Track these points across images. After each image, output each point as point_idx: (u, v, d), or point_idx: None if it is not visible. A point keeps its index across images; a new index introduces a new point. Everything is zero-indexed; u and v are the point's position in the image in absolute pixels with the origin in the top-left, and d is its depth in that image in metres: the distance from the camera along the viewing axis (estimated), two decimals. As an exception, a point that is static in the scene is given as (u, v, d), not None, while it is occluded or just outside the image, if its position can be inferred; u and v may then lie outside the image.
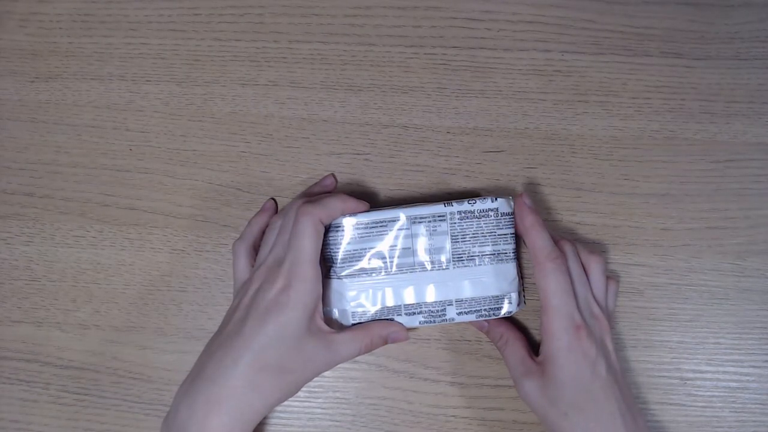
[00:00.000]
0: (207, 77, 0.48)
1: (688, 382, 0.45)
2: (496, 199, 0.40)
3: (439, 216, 0.40)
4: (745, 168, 0.46)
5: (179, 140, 0.47)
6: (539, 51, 0.47)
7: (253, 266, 0.41)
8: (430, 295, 0.40)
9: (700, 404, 0.45)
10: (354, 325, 0.41)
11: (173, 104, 0.48)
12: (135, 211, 0.47)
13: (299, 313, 0.37)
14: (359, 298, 0.40)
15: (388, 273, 0.40)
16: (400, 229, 0.40)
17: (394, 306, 0.40)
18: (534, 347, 0.43)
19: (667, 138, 0.46)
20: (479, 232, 0.40)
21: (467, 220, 0.40)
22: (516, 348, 0.41)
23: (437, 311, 0.41)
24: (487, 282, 0.40)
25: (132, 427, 0.45)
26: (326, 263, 0.41)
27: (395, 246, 0.40)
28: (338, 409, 0.45)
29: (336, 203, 0.40)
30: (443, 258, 0.40)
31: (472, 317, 0.41)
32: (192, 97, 0.47)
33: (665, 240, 0.45)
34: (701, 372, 0.45)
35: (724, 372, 0.45)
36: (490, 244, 0.40)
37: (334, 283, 0.41)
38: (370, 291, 0.40)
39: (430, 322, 0.41)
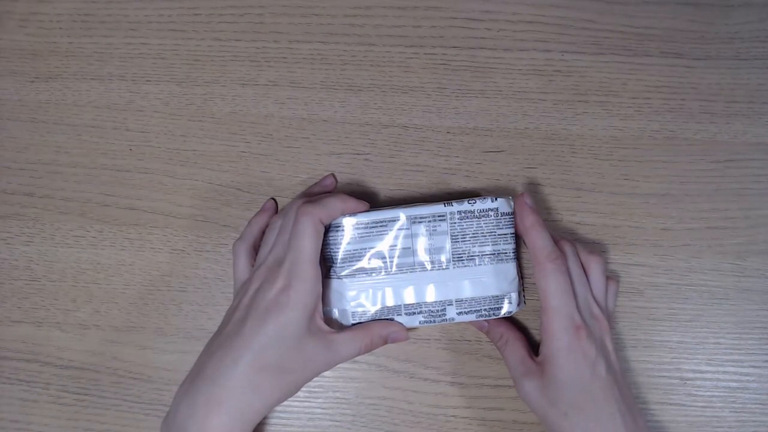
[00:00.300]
0: (207, 77, 0.48)
1: (688, 382, 0.45)
2: (496, 199, 0.40)
3: (439, 216, 0.40)
4: (745, 168, 0.46)
5: (179, 140, 0.47)
6: (539, 51, 0.47)
7: (253, 266, 0.41)
8: (430, 295, 0.40)
9: (700, 404, 0.45)
10: (354, 325, 0.41)
11: (173, 104, 0.48)
12: (135, 211, 0.47)
13: (299, 313, 0.37)
14: (359, 297, 0.40)
15: (388, 273, 0.40)
16: (400, 229, 0.40)
17: (394, 306, 0.40)
18: (534, 347, 0.43)
19: (667, 138, 0.46)
20: (479, 232, 0.40)
21: (467, 220, 0.40)
22: (516, 348, 0.41)
23: (437, 311, 0.41)
24: (487, 282, 0.40)
25: (132, 427, 0.45)
26: (326, 263, 0.41)
27: (395, 246, 0.40)
28: (338, 409, 0.45)
29: (336, 203, 0.40)
30: (443, 258, 0.40)
31: (472, 317, 0.41)
32: (192, 97, 0.47)
33: (665, 240, 0.46)
34: (701, 372, 0.45)
35: (724, 372, 0.45)
36: (490, 243, 0.40)
37: (334, 283, 0.41)
38: (370, 291, 0.40)
39: (430, 322, 0.41)
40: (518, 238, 0.43)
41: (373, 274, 0.40)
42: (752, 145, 0.46)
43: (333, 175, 0.47)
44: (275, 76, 0.47)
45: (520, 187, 0.46)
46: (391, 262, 0.40)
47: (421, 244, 0.40)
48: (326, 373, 0.45)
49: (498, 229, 0.40)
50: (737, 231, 0.45)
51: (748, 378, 0.45)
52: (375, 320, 0.41)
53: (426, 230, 0.40)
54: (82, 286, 0.46)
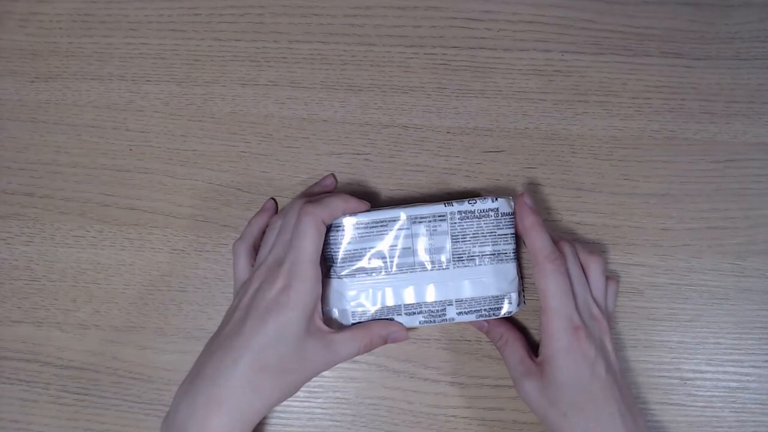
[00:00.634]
0: (207, 77, 0.48)
1: (688, 382, 0.45)
2: (496, 199, 0.40)
3: (439, 216, 0.40)
4: (745, 168, 0.46)
5: (179, 140, 0.47)
6: (539, 51, 0.47)
7: (253, 266, 0.41)
8: (430, 294, 0.40)
9: (700, 404, 0.45)
10: (354, 324, 0.40)
11: (173, 104, 0.48)
12: (135, 211, 0.47)
13: (299, 313, 0.37)
14: (359, 297, 0.40)
15: (388, 273, 0.40)
16: (400, 229, 0.40)
17: (394, 306, 0.40)
18: (534, 347, 0.43)
19: (667, 138, 0.46)
20: (479, 232, 0.40)
21: (467, 220, 0.40)
22: (516, 348, 0.41)
23: (437, 311, 0.41)
24: (487, 282, 0.40)
25: (132, 427, 0.45)
26: (326, 263, 0.41)
27: (395, 246, 0.40)
28: (338, 409, 0.45)
29: (338, 203, 0.40)
30: (443, 258, 0.40)
31: (472, 317, 0.41)
32: (192, 97, 0.47)
33: (665, 240, 0.46)
34: (701, 372, 0.45)
35: (724, 372, 0.45)
36: (490, 244, 0.40)
37: (334, 283, 0.41)
38: (370, 291, 0.40)
39: (430, 322, 0.41)
40: (518, 238, 0.43)
41: (373, 274, 0.40)
42: (752, 145, 0.46)
43: (333, 175, 0.47)
44: (275, 76, 0.47)
45: (520, 187, 0.46)
46: (392, 261, 0.40)
47: (422, 244, 0.40)
48: (326, 373, 0.45)
49: (498, 229, 0.40)
50: (737, 231, 0.45)
51: (748, 378, 0.45)
52: (375, 320, 0.41)
53: (426, 230, 0.40)
54: (82, 286, 0.46)
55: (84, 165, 0.47)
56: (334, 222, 0.40)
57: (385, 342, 0.40)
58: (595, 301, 0.41)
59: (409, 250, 0.40)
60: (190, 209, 0.47)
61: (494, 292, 0.40)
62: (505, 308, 0.41)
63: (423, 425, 0.45)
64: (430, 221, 0.40)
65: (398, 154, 0.47)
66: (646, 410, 0.45)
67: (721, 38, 0.47)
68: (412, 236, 0.40)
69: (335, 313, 0.41)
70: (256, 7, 0.48)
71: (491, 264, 0.40)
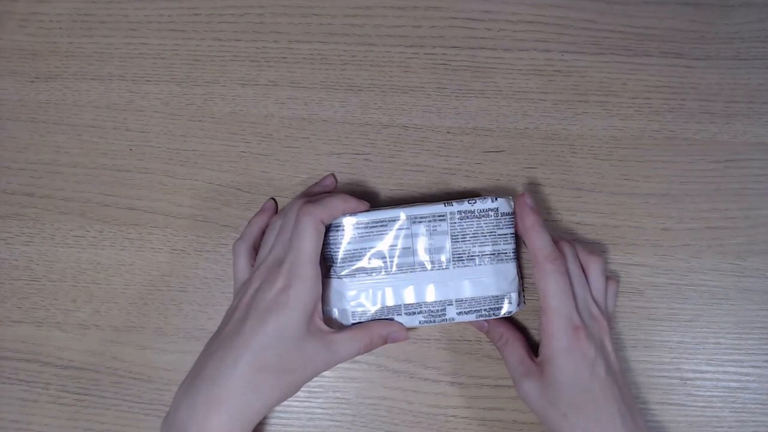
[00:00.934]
0: (207, 77, 0.48)
1: (688, 382, 0.45)
2: (496, 198, 0.40)
3: (439, 216, 0.40)
4: (745, 168, 0.46)
5: (179, 140, 0.47)
6: (539, 51, 0.47)
7: (253, 266, 0.41)
8: (430, 294, 0.40)
9: (700, 404, 0.45)
10: (354, 324, 0.40)
11: (173, 104, 0.48)
12: (135, 211, 0.47)
13: (299, 313, 0.37)
14: (359, 297, 0.40)
15: (388, 273, 0.40)
16: (400, 229, 0.40)
17: (394, 306, 0.40)
18: (534, 347, 0.43)
19: (667, 138, 0.46)
20: (479, 231, 0.40)
21: (467, 220, 0.40)
22: (515, 348, 0.41)
23: (437, 311, 0.41)
24: (487, 282, 0.40)
25: (132, 427, 0.45)
26: (326, 263, 0.41)
27: (395, 246, 0.40)
28: (338, 409, 0.45)
29: (337, 203, 0.40)
30: (443, 258, 0.40)
31: (472, 317, 0.41)
32: (192, 97, 0.47)
33: (665, 240, 0.45)
34: (701, 372, 0.45)
35: (724, 372, 0.45)
36: (490, 243, 0.40)
37: (334, 283, 0.41)
38: (370, 290, 0.40)
39: (430, 321, 0.41)
40: (518, 238, 0.43)
41: (373, 274, 0.40)
42: (752, 145, 0.46)
43: (333, 175, 0.47)
44: (275, 76, 0.47)
45: (520, 187, 0.46)
46: (391, 261, 0.40)
47: (421, 243, 0.40)
48: (326, 373, 0.45)
49: (498, 229, 0.40)
50: (737, 231, 0.45)
51: (748, 378, 0.45)
52: (375, 320, 0.41)
53: (426, 230, 0.40)
54: (82, 286, 0.46)
55: (84, 165, 0.47)
56: (333, 222, 0.40)
57: (385, 342, 0.40)
58: (595, 301, 0.41)
59: (409, 250, 0.40)
60: (190, 209, 0.47)
61: (494, 292, 0.40)
62: (505, 308, 0.41)
63: (423, 425, 0.45)
64: (429, 221, 0.40)
65: (398, 154, 0.47)
66: (646, 410, 0.45)
67: (721, 38, 0.47)
68: (412, 236, 0.40)
69: (335, 313, 0.41)
70: (256, 7, 0.48)
71: (491, 264, 0.40)
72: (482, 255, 0.40)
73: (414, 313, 0.41)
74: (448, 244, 0.40)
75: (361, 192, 0.47)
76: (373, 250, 0.40)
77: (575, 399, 0.38)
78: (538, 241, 0.40)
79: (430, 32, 0.47)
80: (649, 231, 0.46)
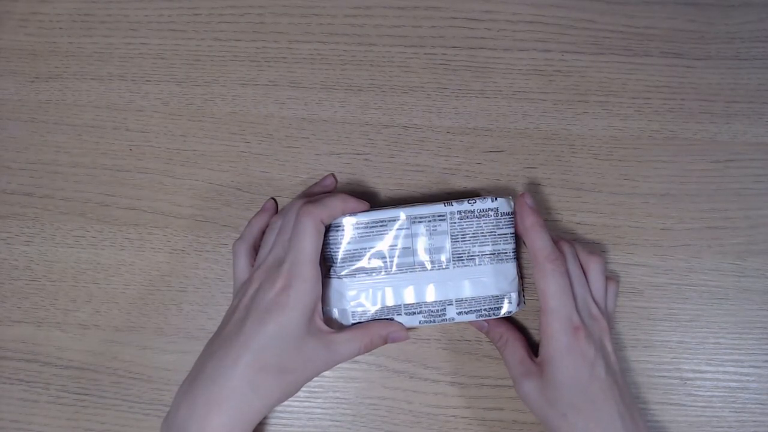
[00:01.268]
0: (207, 77, 0.48)
1: (688, 382, 0.45)
2: (496, 198, 0.40)
3: (438, 216, 0.40)
4: (745, 168, 0.46)
5: (179, 140, 0.47)
6: (539, 51, 0.47)
7: (253, 266, 0.41)
8: (430, 294, 0.40)
9: (700, 404, 0.45)
10: (354, 324, 0.40)
11: (173, 104, 0.48)
12: (135, 211, 0.47)
13: (299, 313, 0.37)
14: (359, 297, 0.40)
15: (388, 272, 0.40)
16: (399, 229, 0.40)
17: (394, 306, 0.40)
18: (534, 347, 0.43)
19: (667, 138, 0.46)
20: (479, 231, 0.40)
21: (467, 220, 0.40)
22: (515, 348, 0.41)
23: (437, 311, 0.41)
24: (487, 282, 0.40)
25: (132, 427, 0.45)
26: (326, 263, 0.41)
27: (395, 245, 0.40)
28: (338, 409, 0.45)
29: (337, 203, 0.40)
30: (443, 258, 0.40)
31: (471, 317, 0.41)
32: (192, 97, 0.48)
33: (665, 240, 0.45)
34: (701, 372, 0.45)
35: (724, 372, 0.45)
36: (490, 243, 0.40)
37: (334, 283, 0.41)
38: (370, 290, 0.40)
39: (430, 321, 0.41)
40: (518, 238, 0.43)
41: (373, 274, 0.40)
42: (752, 145, 0.46)
43: (333, 175, 0.47)
44: (275, 76, 0.47)
45: (520, 187, 0.46)
46: (391, 261, 0.40)
47: (421, 243, 0.40)
48: (326, 373, 0.45)
49: (498, 228, 0.40)
50: (737, 231, 0.45)
51: (748, 378, 0.45)
52: (375, 320, 0.41)
53: (426, 230, 0.40)
54: (82, 286, 0.46)
55: (84, 165, 0.47)
56: (333, 222, 0.40)
57: (386, 342, 0.40)
58: (595, 302, 0.41)
59: (409, 250, 0.40)
60: (190, 209, 0.47)
61: (494, 292, 0.40)
62: (505, 308, 0.41)
63: (423, 425, 0.45)
64: (429, 221, 0.40)
65: (398, 154, 0.47)
66: (646, 410, 0.45)
67: (721, 38, 0.47)
68: (412, 236, 0.40)
69: (335, 313, 0.41)
70: (256, 7, 0.48)
71: (491, 264, 0.40)
72: (482, 255, 0.40)
73: (414, 313, 0.41)
74: (448, 244, 0.40)
75: (361, 192, 0.47)
76: (373, 250, 0.40)
77: (575, 399, 0.38)
78: (538, 241, 0.40)
79: (430, 32, 0.47)
80: (649, 231, 0.46)
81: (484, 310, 0.41)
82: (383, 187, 0.47)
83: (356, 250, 0.40)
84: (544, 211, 0.46)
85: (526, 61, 0.47)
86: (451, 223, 0.40)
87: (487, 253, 0.40)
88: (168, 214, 0.47)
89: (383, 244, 0.40)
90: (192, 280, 0.46)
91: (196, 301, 0.46)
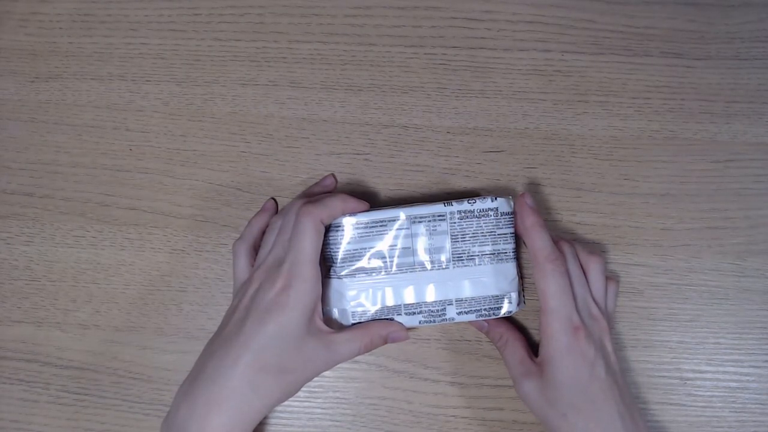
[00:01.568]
0: (207, 77, 0.48)
1: (688, 382, 0.45)
2: (495, 198, 0.40)
3: (438, 215, 0.40)
4: (745, 168, 0.46)
5: (179, 140, 0.47)
6: (539, 51, 0.47)
7: (253, 266, 0.41)
8: (430, 294, 0.40)
9: (700, 404, 0.45)
10: (354, 324, 0.40)
11: (173, 104, 0.48)
12: (135, 211, 0.47)
13: (299, 313, 0.37)
14: (359, 297, 0.40)
15: (388, 272, 0.40)
16: (399, 229, 0.40)
17: (394, 306, 0.40)
18: (534, 347, 0.43)
19: (667, 138, 0.46)
20: (479, 231, 0.40)
21: (467, 220, 0.40)
22: (515, 348, 0.41)
23: (437, 311, 0.41)
24: (487, 282, 0.40)
25: (132, 427, 0.45)
26: (326, 263, 0.41)
27: (395, 245, 0.40)
28: (338, 409, 0.45)
29: (337, 203, 0.40)
30: (443, 257, 0.40)
31: (471, 317, 0.41)
32: (192, 97, 0.48)
33: (665, 240, 0.45)
34: (701, 372, 0.45)
35: (724, 372, 0.45)
36: (489, 243, 0.40)
37: (334, 283, 0.41)
38: (370, 291, 0.40)
39: (430, 321, 0.41)
40: (518, 238, 0.43)
41: (373, 274, 0.40)
42: (752, 145, 0.46)
43: (333, 175, 0.47)
44: (275, 76, 0.47)
45: (520, 187, 0.46)
46: (391, 261, 0.40)
47: (421, 243, 0.40)
48: (326, 373, 0.45)
49: (498, 228, 0.40)
50: (737, 231, 0.45)
51: (748, 378, 0.45)
52: (375, 320, 0.41)
53: (426, 230, 0.40)
54: (82, 286, 0.46)
55: (84, 165, 0.47)
56: (333, 222, 0.40)
57: (385, 342, 0.40)
58: (595, 302, 0.41)
59: (409, 250, 0.40)
60: (190, 209, 0.47)
61: (494, 292, 0.40)
62: (505, 308, 0.41)
63: (423, 425, 0.45)
64: (429, 221, 0.40)
65: (398, 154, 0.47)
66: (646, 410, 0.45)
67: (721, 38, 0.47)
68: (412, 236, 0.40)
69: (335, 313, 0.41)
70: (256, 7, 0.48)
71: (491, 263, 0.40)
72: (482, 255, 0.40)
73: (414, 313, 0.41)
74: (447, 244, 0.40)
75: (361, 192, 0.47)
76: (372, 250, 0.40)
77: (575, 399, 0.38)
78: (538, 241, 0.40)
79: (430, 32, 0.47)
80: (649, 231, 0.46)
81: (484, 310, 0.41)
82: (383, 187, 0.47)
83: (356, 250, 0.40)
84: (544, 211, 0.46)
85: (526, 61, 0.47)
86: (451, 223, 0.40)
87: (487, 253, 0.40)
88: (168, 214, 0.47)
89: (383, 244, 0.40)
90: (192, 280, 0.46)
91: (196, 301, 0.46)
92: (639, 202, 0.46)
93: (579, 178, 0.46)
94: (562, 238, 0.43)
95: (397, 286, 0.40)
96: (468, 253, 0.40)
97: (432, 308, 0.41)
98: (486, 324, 0.43)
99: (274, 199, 0.47)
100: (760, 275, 0.45)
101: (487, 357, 0.45)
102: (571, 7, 0.47)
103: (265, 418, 0.45)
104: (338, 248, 0.40)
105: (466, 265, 0.40)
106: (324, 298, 0.40)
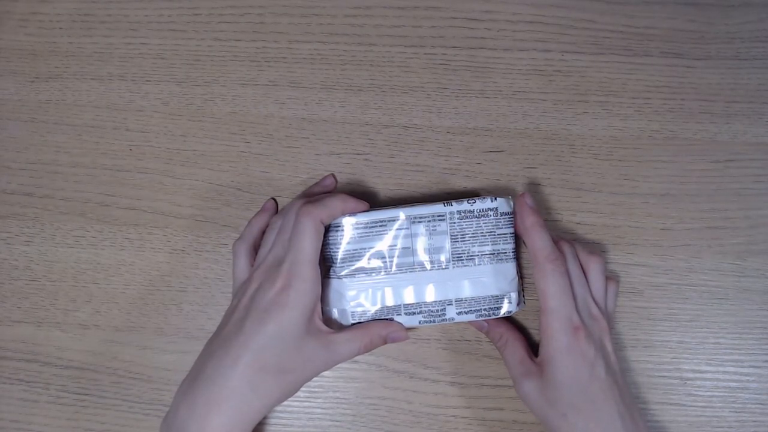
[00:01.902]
0: (207, 77, 0.48)
1: (688, 382, 0.45)
2: (495, 198, 0.40)
3: (438, 216, 0.40)
4: (745, 168, 0.46)
5: (179, 140, 0.47)
6: (539, 51, 0.47)
7: (253, 266, 0.41)
8: (430, 294, 0.40)
9: (700, 404, 0.45)
10: (353, 324, 0.40)
11: (173, 104, 0.48)
12: (135, 211, 0.47)
13: (298, 313, 0.37)
14: (359, 297, 0.40)
15: (387, 273, 0.40)
16: (399, 229, 0.40)
17: (394, 306, 0.40)
18: (534, 347, 0.43)
19: (667, 138, 0.46)
20: (479, 231, 0.40)
21: (467, 220, 0.40)
22: (515, 348, 0.41)
23: (437, 311, 0.41)
24: (487, 282, 0.40)
25: (132, 427, 0.45)
26: (326, 263, 0.41)
27: (395, 246, 0.40)
28: (338, 409, 0.45)
29: (336, 203, 0.40)
30: (443, 258, 0.40)
31: (471, 317, 0.41)
32: (192, 97, 0.48)
33: (665, 240, 0.45)
34: (701, 372, 0.45)
35: (724, 372, 0.45)
36: (489, 243, 0.40)
37: (334, 283, 0.41)
38: (370, 291, 0.40)
39: (430, 321, 0.41)
40: (518, 238, 0.43)
41: (373, 274, 0.40)
42: (752, 145, 0.46)
43: (333, 175, 0.47)
44: (275, 76, 0.47)
45: (520, 187, 0.46)
46: (391, 261, 0.40)
47: (421, 243, 0.40)
48: (326, 373, 0.45)
49: (497, 228, 0.40)
50: (737, 231, 0.45)
51: (748, 378, 0.45)
52: (374, 320, 0.41)
53: (425, 230, 0.40)
54: (82, 286, 0.46)
55: (84, 165, 0.47)
56: (333, 222, 0.40)
57: (385, 342, 0.40)
58: (595, 302, 0.41)
59: (409, 250, 0.40)
60: (190, 209, 0.47)
61: (494, 292, 0.40)
62: (505, 308, 0.41)
63: (423, 425, 0.45)
64: (429, 221, 0.40)
65: (398, 154, 0.47)
66: (646, 410, 0.45)
67: (721, 38, 0.47)
68: (412, 236, 0.40)
69: (335, 313, 0.41)
70: (256, 7, 0.48)
71: (491, 263, 0.40)
72: (482, 255, 0.40)
73: (414, 313, 0.41)
74: (447, 244, 0.40)
75: (361, 192, 0.47)
76: (372, 250, 0.40)
77: (575, 399, 0.38)
78: (538, 241, 0.40)
79: (430, 32, 0.47)
80: (649, 231, 0.46)
81: (484, 310, 0.41)
82: (383, 187, 0.47)
83: (356, 250, 0.40)
84: (544, 211, 0.46)
85: (526, 61, 0.47)
86: (451, 223, 0.40)
87: (487, 253, 0.40)
88: (168, 214, 0.47)
89: (383, 244, 0.40)
90: (192, 280, 0.46)
91: (196, 301, 0.46)
92: (639, 202, 0.46)
93: (579, 178, 0.46)
94: (562, 238, 0.43)
95: (397, 286, 0.40)
96: (468, 253, 0.40)
97: (432, 308, 0.41)
98: (486, 324, 0.43)
99: (274, 199, 0.47)
100: (760, 275, 0.45)
101: (487, 357, 0.45)
102: (571, 7, 0.47)
103: (265, 418, 0.45)
104: (338, 248, 0.40)
105: (465, 265, 0.40)
106: (324, 298, 0.40)
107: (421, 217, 0.40)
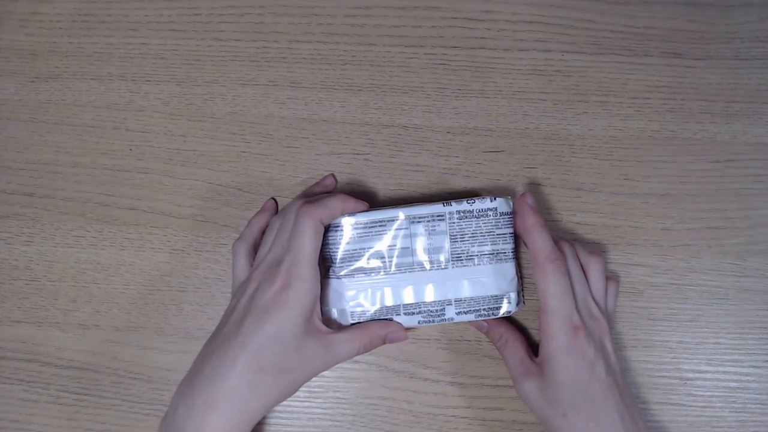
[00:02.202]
0: (207, 77, 0.48)
1: (688, 382, 0.45)
2: (495, 198, 0.40)
3: (437, 216, 0.40)
4: (745, 168, 0.46)
5: (179, 140, 0.47)
6: (539, 51, 0.47)
7: (252, 266, 0.41)
8: (429, 294, 0.40)
9: (700, 404, 0.44)
10: (353, 324, 0.40)
11: (173, 104, 0.48)
12: (135, 211, 0.47)
13: (298, 313, 0.37)
14: (358, 297, 0.40)
15: (387, 273, 0.40)
16: (398, 229, 0.40)
17: (393, 306, 0.40)
18: (533, 347, 0.43)
19: (667, 138, 0.46)
20: (478, 231, 0.40)
21: (466, 220, 0.40)
22: (515, 348, 0.41)
23: (436, 311, 0.41)
24: (486, 282, 0.40)
25: (132, 427, 0.45)
26: (325, 263, 0.41)
27: (394, 246, 0.40)
28: (338, 409, 0.45)
29: (336, 203, 0.40)
30: (442, 258, 0.40)
31: (471, 317, 0.41)
32: (192, 97, 0.48)
33: (665, 240, 0.45)
34: (701, 372, 0.45)
35: (724, 372, 0.45)
36: (489, 243, 0.40)
37: (333, 283, 0.41)
38: (369, 291, 0.40)
39: (429, 321, 0.41)
40: (517, 238, 0.43)
41: (372, 274, 0.40)
42: (752, 145, 0.46)
43: (333, 175, 0.47)
44: (275, 76, 0.47)
45: (520, 187, 0.46)
46: (390, 261, 0.40)
47: (420, 243, 0.40)
48: (326, 373, 0.45)
49: (497, 228, 0.40)
50: (737, 231, 0.45)
51: (748, 378, 0.44)
52: (374, 320, 0.41)
53: (425, 230, 0.40)
54: (82, 286, 0.47)
55: (84, 165, 0.47)
56: (332, 222, 0.40)
57: (384, 342, 0.40)
58: (595, 301, 0.41)
59: (408, 250, 0.40)
60: (190, 209, 0.47)
61: (493, 292, 0.40)
62: (505, 308, 0.41)
63: (423, 425, 0.45)
64: (428, 221, 0.40)
65: (398, 154, 0.47)
66: (646, 410, 0.45)
67: (721, 38, 0.47)
68: (411, 236, 0.40)
69: (334, 313, 0.41)
70: (256, 7, 0.48)
71: (490, 263, 0.40)
72: (481, 255, 0.40)
73: (413, 313, 0.41)
74: (447, 244, 0.40)
75: (361, 192, 0.47)
76: (371, 250, 0.40)
77: (575, 399, 0.38)
78: (538, 241, 0.40)
79: (430, 32, 0.47)
80: (649, 231, 0.46)
81: (484, 310, 0.41)
82: (383, 187, 0.47)
83: (355, 250, 0.40)
84: (544, 211, 0.46)
85: (526, 61, 0.47)
86: (450, 223, 0.40)
87: (486, 253, 0.40)
88: (168, 214, 0.47)
89: (382, 244, 0.40)
90: (192, 280, 0.46)
91: (196, 301, 0.46)
92: (639, 202, 0.46)
93: (579, 178, 0.46)
94: (562, 238, 0.43)
95: (396, 286, 0.40)
96: (467, 253, 0.40)
97: (431, 308, 0.41)
98: (486, 324, 0.43)
99: (274, 199, 0.47)
100: (760, 275, 0.45)
101: (487, 357, 0.45)
102: (571, 7, 0.47)
103: (265, 418, 0.45)
104: (337, 248, 0.40)
105: (465, 265, 0.40)
106: (323, 298, 0.40)
107: (420, 217, 0.40)
